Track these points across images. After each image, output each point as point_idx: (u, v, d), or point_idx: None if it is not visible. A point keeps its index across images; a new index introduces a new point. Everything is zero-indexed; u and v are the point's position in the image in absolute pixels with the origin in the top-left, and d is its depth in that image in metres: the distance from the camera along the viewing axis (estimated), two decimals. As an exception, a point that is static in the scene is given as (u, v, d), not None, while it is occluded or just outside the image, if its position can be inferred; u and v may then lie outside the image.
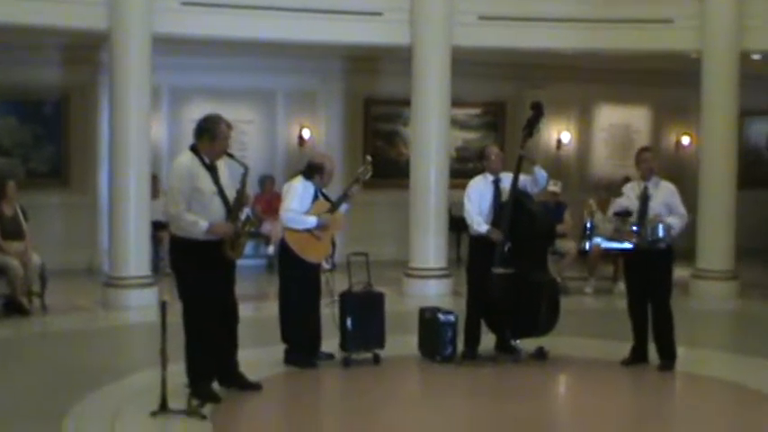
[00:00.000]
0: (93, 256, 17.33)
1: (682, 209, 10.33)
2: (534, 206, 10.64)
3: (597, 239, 10.60)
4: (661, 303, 10.20)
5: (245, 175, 8.73)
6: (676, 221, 10.18)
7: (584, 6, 15.19)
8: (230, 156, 8.77)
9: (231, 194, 8.67)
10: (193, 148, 8.66)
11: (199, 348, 8.62)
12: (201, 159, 8.59)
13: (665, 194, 10.27)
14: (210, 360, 8.72)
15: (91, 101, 17.52)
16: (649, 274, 10.16)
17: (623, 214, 10.20)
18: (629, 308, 10.39)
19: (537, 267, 10.55)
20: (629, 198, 10.35)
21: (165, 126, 17.93)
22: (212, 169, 8.62)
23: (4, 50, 16.07)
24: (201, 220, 8.43)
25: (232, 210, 8.60)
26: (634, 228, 10.06)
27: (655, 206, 10.16)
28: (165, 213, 8.94)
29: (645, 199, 10.20)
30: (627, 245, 10.18)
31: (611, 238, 10.40)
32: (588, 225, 10.69)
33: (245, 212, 8.74)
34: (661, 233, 9.94)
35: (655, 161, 10.52)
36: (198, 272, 8.54)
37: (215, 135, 8.62)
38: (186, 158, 8.65)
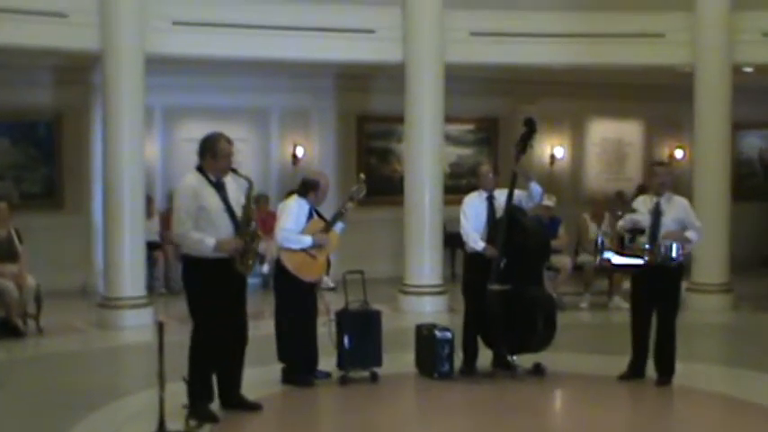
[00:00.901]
0: (88, 277, 17.30)
1: (697, 222, 10.29)
2: (529, 222, 10.66)
3: (608, 255, 10.49)
4: (667, 320, 10.14)
5: (249, 190, 8.77)
6: (694, 236, 10.16)
7: (576, 21, 15.25)
8: (234, 171, 8.81)
9: (240, 211, 8.70)
10: (199, 168, 8.72)
11: (203, 368, 8.66)
12: (208, 178, 8.65)
13: (677, 210, 10.22)
14: (212, 381, 8.75)
15: (84, 122, 17.50)
16: (658, 291, 10.10)
17: (635, 231, 10.13)
18: (633, 322, 10.32)
19: (532, 283, 10.56)
20: (641, 213, 10.26)
21: (159, 146, 17.93)
22: (219, 187, 8.67)
23: (-4, 72, 16.10)
24: (208, 238, 8.48)
25: (241, 226, 8.62)
26: (647, 245, 10.01)
27: (667, 222, 10.10)
28: (173, 233, 8.97)
29: (657, 214, 10.12)
30: (638, 261, 10.13)
31: (621, 254, 10.31)
32: (599, 240, 10.65)
33: (253, 226, 8.74)
34: (674, 254, 9.88)
35: (668, 176, 10.48)
36: (209, 290, 8.58)
37: (216, 152, 8.68)
38: (192, 179, 8.72)
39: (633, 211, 10.41)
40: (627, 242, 10.23)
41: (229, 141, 8.80)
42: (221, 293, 8.62)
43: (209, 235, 8.50)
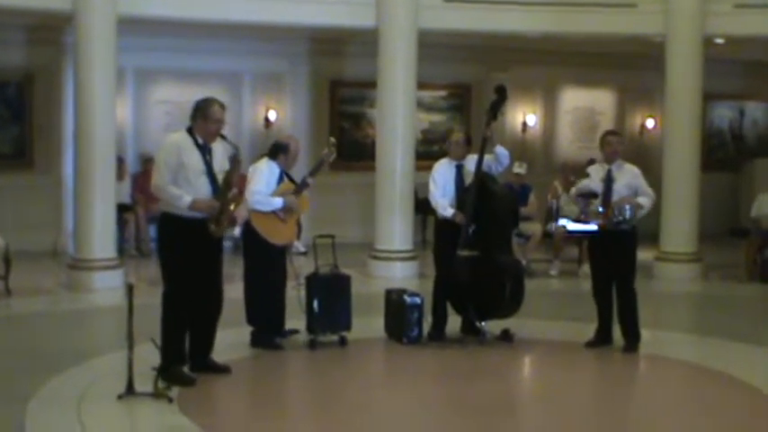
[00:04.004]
0: (58, 239, 17.27)
1: (648, 189, 10.39)
2: (498, 188, 10.68)
3: (562, 221, 10.65)
4: (625, 285, 10.26)
5: (235, 156, 8.76)
6: (646, 201, 10.25)
7: (550, -11, 15.27)
8: (223, 137, 8.81)
9: (222, 176, 8.71)
10: (189, 129, 8.74)
11: (175, 331, 8.67)
12: (195, 139, 8.66)
13: (628, 177, 10.33)
14: (184, 344, 8.77)
15: (55, 82, 17.41)
16: (613, 257, 10.21)
17: (589, 196, 10.26)
18: (594, 290, 10.43)
19: (501, 249, 10.58)
20: (593, 180, 10.41)
21: (131, 108, 17.87)
22: (206, 150, 8.67)
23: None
24: (186, 195, 8.48)
25: (220, 189, 8.62)
26: (599, 209, 10.12)
27: (619, 188, 10.22)
28: (152, 185, 8.93)
29: (609, 182, 10.26)
30: (592, 226, 10.23)
31: (576, 220, 10.46)
32: (554, 207, 10.76)
33: (234, 192, 8.75)
34: (628, 214, 10.00)
35: (620, 144, 10.58)
36: (184, 251, 8.58)
37: (207, 115, 8.68)
38: (178, 135, 8.77)
39: (587, 175, 10.58)
40: (582, 207, 10.35)
41: (222, 107, 8.82)
42: (197, 255, 8.62)
43: (186, 193, 8.50)
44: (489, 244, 10.42)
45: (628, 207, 10.04)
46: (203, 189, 8.60)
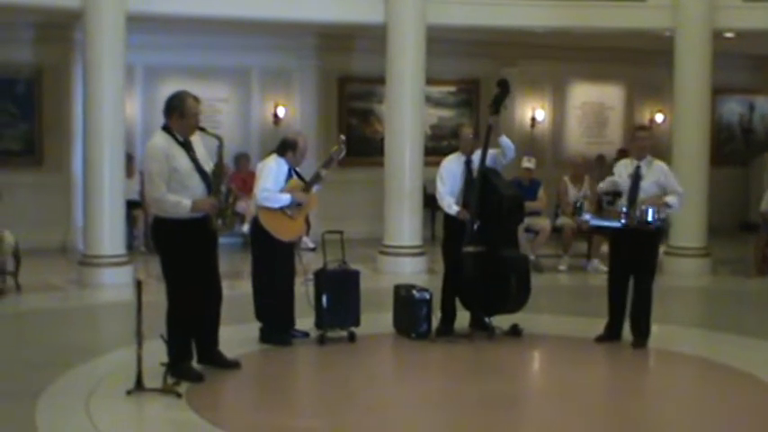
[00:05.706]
0: (68, 235, 17.29)
1: (678, 187, 10.30)
2: (502, 184, 10.62)
3: (587, 216, 10.57)
4: (644, 284, 10.18)
5: (220, 147, 8.70)
6: (674, 200, 10.18)
7: (558, -16, 15.25)
8: (202, 130, 8.74)
9: (209, 170, 8.65)
10: (165, 128, 8.65)
11: (181, 329, 8.64)
12: (175, 138, 8.58)
13: (657, 174, 10.23)
14: (191, 341, 8.78)
15: (65, 79, 17.42)
16: (635, 254, 10.14)
17: (614, 194, 10.19)
18: (610, 285, 10.38)
19: (506, 244, 10.58)
20: (620, 176, 10.32)
21: (140, 105, 17.87)
22: (187, 146, 8.60)
23: (-24, 29, 16.01)
24: (184, 200, 8.41)
25: (213, 184, 8.59)
26: (623, 208, 10.06)
27: (646, 186, 10.14)
28: (147, 197, 8.86)
29: (636, 178, 10.16)
30: (616, 224, 10.18)
31: (600, 216, 10.40)
32: (578, 201, 10.71)
33: (226, 184, 8.72)
34: (650, 217, 9.91)
35: (647, 140, 10.50)
36: (181, 251, 8.53)
37: (184, 111, 8.59)
38: (160, 139, 8.62)
39: (613, 174, 10.50)
40: (605, 205, 10.30)
41: (197, 99, 8.73)
42: (195, 253, 8.59)
43: (182, 196, 8.44)
44: (494, 240, 10.41)
45: (650, 210, 9.93)
46: (196, 188, 8.54)
